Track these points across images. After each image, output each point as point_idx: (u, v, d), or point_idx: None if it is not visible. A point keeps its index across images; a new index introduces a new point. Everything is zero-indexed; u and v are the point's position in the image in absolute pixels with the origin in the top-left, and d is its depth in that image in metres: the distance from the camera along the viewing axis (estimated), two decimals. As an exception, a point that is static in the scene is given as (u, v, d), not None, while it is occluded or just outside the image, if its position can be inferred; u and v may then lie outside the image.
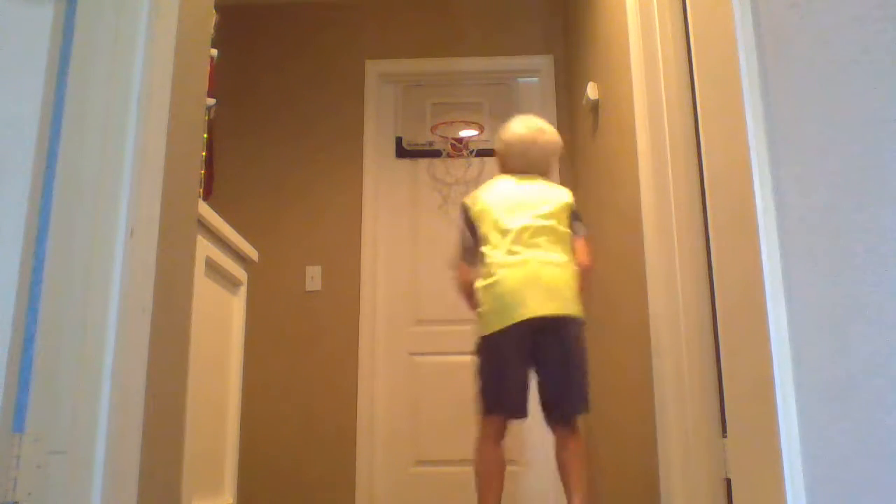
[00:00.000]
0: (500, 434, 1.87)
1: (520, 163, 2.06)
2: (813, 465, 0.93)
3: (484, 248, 1.91)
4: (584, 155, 3.19)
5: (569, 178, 3.49)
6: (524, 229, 1.88)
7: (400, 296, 3.45)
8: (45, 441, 1.05)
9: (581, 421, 2.04)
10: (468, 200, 2.05)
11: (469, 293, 1.98)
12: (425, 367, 3.32)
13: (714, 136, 1.68)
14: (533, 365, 1.86)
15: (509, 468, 1.99)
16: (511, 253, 1.85)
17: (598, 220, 2.85)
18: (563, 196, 2.00)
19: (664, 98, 2.00)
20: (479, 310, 1.90)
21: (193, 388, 1.59)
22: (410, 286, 3.46)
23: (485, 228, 1.94)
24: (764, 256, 1.03)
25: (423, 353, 3.36)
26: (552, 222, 1.91)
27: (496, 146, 2.16)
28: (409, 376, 3.37)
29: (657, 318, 1.95)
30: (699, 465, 1.78)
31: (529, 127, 2.09)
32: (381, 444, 3.31)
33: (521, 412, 1.85)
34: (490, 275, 1.86)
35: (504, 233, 1.89)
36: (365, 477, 3.23)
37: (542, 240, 1.88)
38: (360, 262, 3.45)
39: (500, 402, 1.84)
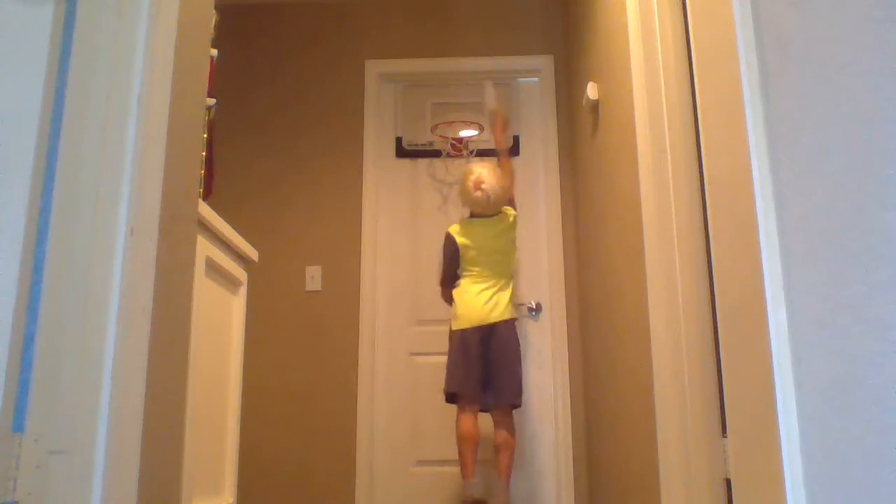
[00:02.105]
0: (469, 412, 2.70)
1: (481, 210, 2.86)
2: (813, 465, 0.93)
3: (461, 273, 2.86)
4: (584, 155, 3.19)
5: (569, 179, 3.50)
6: (485, 266, 2.82)
7: (400, 296, 3.45)
8: (45, 441, 1.05)
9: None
10: (452, 231, 2.88)
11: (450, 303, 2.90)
12: (425, 367, 3.32)
13: (714, 135, 1.67)
14: (483, 354, 2.73)
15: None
16: (476, 282, 2.80)
17: (599, 220, 2.85)
18: (511, 231, 2.89)
19: (664, 98, 2.00)
20: (455, 311, 2.82)
21: (193, 387, 1.59)
22: (410, 286, 3.46)
23: (464, 260, 2.85)
24: (764, 256, 1.02)
25: (423, 353, 3.36)
26: (508, 264, 2.87)
27: (461, 198, 2.95)
28: (409, 376, 3.37)
29: (657, 319, 1.95)
30: (699, 465, 1.78)
31: (481, 187, 2.81)
32: (381, 444, 3.31)
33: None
34: (462, 292, 2.82)
35: (472, 270, 2.83)
36: (365, 477, 3.23)
37: (499, 277, 2.81)
38: (360, 262, 3.45)
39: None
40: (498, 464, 2.68)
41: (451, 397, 2.75)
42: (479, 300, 2.75)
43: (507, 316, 2.78)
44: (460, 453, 2.65)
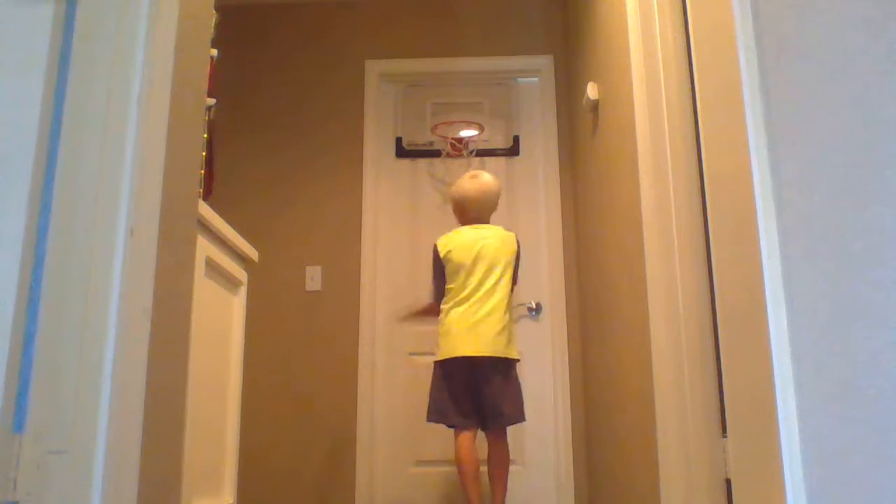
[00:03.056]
0: (465, 431, 2.50)
1: (472, 214, 2.68)
2: (813, 465, 0.93)
3: (445, 298, 2.61)
4: (584, 155, 3.19)
5: (569, 179, 3.50)
6: (469, 277, 2.55)
7: (400, 296, 3.45)
8: (45, 441, 1.05)
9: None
10: (439, 243, 2.65)
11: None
12: (425, 367, 3.31)
13: (714, 136, 1.68)
14: (470, 387, 2.52)
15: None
16: (459, 303, 2.54)
17: (599, 220, 2.85)
18: (508, 250, 2.61)
19: (664, 98, 2.00)
20: (438, 341, 2.58)
21: (193, 388, 1.59)
22: (410, 286, 3.46)
23: (449, 274, 2.61)
24: (764, 256, 1.03)
25: (423, 353, 3.36)
26: (498, 285, 2.55)
27: (452, 201, 2.77)
28: (409, 376, 3.37)
29: (657, 319, 1.95)
30: (699, 465, 1.78)
31: (474, 185, 2.68)
32: (381, 444, 3.31)
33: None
34: (443, 319, 2.58)
35: (454, 281, 2.58)
36: (365, 477, 3.23)
37: (485, 297, 2.53)
38: (360, 262, 3.45)
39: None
40: (493, 496, 2.48)
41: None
42: (461, 324, 2.50)
43: (498, 352, 2.48)
44: (463, 488, 2.47)
